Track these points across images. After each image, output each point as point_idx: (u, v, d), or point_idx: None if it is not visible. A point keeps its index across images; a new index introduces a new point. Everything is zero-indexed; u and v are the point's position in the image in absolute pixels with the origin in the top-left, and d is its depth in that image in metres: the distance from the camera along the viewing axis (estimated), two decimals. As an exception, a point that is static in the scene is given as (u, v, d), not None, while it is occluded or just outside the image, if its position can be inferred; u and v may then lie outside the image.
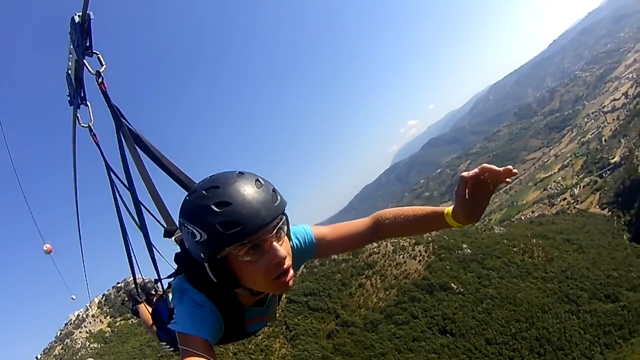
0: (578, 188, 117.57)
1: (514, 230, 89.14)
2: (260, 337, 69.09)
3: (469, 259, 74.28)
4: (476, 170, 2.02)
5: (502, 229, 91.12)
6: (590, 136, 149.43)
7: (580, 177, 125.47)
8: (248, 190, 1.84)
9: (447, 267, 73.17)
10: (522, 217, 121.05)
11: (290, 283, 1.97)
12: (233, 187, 1.84)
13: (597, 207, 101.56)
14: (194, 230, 1.82)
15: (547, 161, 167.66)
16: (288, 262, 1.95)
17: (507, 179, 2.03)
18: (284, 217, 1.98)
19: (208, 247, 1.81)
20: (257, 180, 1.92)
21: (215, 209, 1.78)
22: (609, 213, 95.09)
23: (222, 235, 1.76)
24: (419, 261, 76.14)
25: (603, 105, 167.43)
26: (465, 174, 2.06)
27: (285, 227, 2.00)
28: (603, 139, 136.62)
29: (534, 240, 79.03)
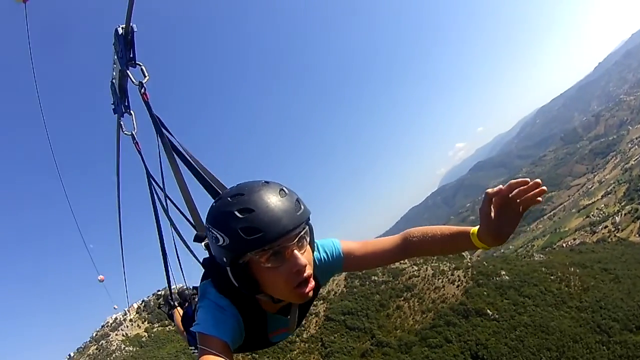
0: (619, 216, 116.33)
1: (553, 258, 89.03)
2: (295, 352, 72.27)
3: (506, 285, 75.13)
4: (501, 186, 2.00)
5: (542, 256, 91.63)
6: (633, 162, 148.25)
7: (622, 204, 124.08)
8: (271, 199, 1.94)
9: (485, 293, 74.21)
10: (564, 244, 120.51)
11: (310, 293, 2.06)
12: (257, 195, 1.96)
13: (637, 235, 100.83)
14: (218, 235, 1.96)
15: (591, 187, 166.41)
16: (308, 270, 2.03)
17: (539, 198, 1.98)
18: (307, 227, 2.07)
19: (230, 251, 1.94)
20: (282, 189, 2.02)
21: (238, 214, 1.91)
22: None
23: (244, 240, 1.87)
24: (457, 286, 77.47)
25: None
26: (490, 190, 2.03)
27: (308, 237, 2.08)
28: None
29: (572, 269, 79.14)
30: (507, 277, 76.57)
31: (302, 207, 2.02)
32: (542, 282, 75.23)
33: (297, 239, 1.95)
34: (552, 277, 76.58)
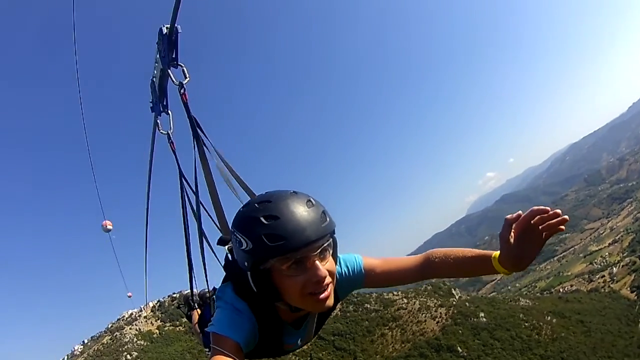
0: (617, 267, 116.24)
1: (539, 304, 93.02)
2: (284, 366, 78.52)
3: (481, 327, 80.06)
4: (520, 212, 2.00)
5: (527, 301, 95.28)
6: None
7: (623, 255, 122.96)
8: (298, 208, 1.95)
9: (460, 331, 79.39)
10: (561, 289, 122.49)
11: (325, 303, 2.02)
12: (284, 203, 1.96)
13: (628, 289, 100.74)
14: (242, 239, 1.97)
15: (602, 233, 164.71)
16: (328, 281, 2.01)
17: (561, 226, 1.97)
18: (331, 239, 2.07)
19: (252, 256, 1.94)
20: (309, 200, 2.03)
21: (263, 220, 1.92)
22: (636, 297, 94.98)
23: (266, 246, 1.88)
24: (437, 322, 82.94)
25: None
26: (509, 216, 2.02)
27: (331, 250, 2.08)
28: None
29: (548, 318, 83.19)
30: (484, 319, 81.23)
31: (328, 219, 2.04)
32: (515, 327, 79.70)
33: (319, 250, 1.99)
34: (526, 324, 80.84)
